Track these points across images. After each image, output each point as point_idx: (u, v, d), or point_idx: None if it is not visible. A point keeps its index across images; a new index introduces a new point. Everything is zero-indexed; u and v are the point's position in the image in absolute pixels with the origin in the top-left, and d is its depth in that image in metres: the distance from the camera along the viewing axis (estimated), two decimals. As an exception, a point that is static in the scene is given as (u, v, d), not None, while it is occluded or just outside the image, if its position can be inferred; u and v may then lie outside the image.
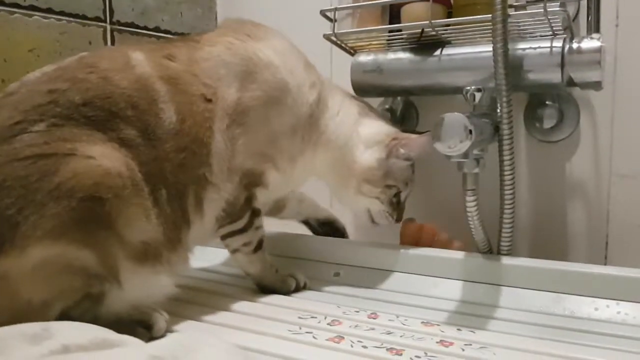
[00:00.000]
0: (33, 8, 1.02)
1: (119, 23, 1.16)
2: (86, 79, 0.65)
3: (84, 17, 1.10)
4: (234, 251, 0.82)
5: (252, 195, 0.80)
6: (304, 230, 1.05)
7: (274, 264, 0.85)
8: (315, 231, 1.03)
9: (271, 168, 0.81)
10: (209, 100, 0.73)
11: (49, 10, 1.04)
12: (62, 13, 1.06)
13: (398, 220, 0.92)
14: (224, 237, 0.81)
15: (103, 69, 0.67)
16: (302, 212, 1.02)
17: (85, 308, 0.61)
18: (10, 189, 0.57)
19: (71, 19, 1.08)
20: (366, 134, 0.87)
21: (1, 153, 0.59)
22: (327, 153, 0.86)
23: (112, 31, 1.14)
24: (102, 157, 0.61)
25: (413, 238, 0.99)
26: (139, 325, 0.66)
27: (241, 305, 0.78)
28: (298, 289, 0.85)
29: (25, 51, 1.01)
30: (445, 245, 0.97)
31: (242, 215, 0.80)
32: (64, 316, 0.60)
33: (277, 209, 0.97)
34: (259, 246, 0.82)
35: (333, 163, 0.87)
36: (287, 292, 0.84)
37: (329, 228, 1.03)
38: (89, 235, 0.59)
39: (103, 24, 1.13)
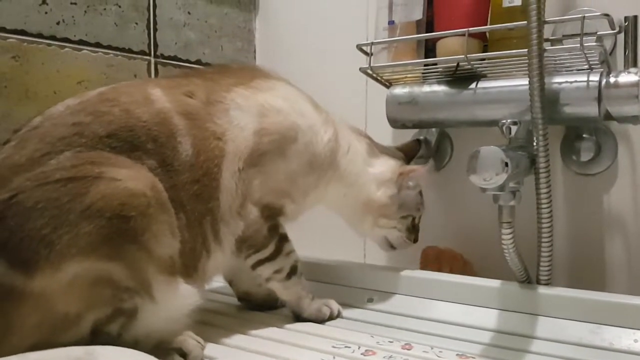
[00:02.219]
0: (82, 42, 1.07)
1: (162, 56, 1.20)
2: (109, 112, 0.69)
3: (130, 51, 1.15)
4: (267, 280, 0.84)
5: (276, 224, 0.83)
6: (340, 256, 1.06)
7: (309, 292, 0.86)
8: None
9: (289, 202, 0.84)
10: (219, 139, 0.76)
11: (97, 45, 1.09)
12: (109, 47, 1.11)
13: (415, 241, 0.97)
14: (253, 267, 0.82)
15: (124, 102, 0.71)
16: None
17: (120, 324, 0.63)
18: (44, 210, 0.60)
19: (118, 52, 1.13)
20: (376, 174, 0.92)
21: (31, 178, 0.61)
22: (339, 188, 0.90)
23: (155, 64, 1.19)
24: (127, 179, 0.63)
25: (434, 263, 1.05)
26: (177, 352, 0.67)
27: (274, 332, 0.79)
28: (332, 318, 0.85)
29: (75, 83, 1.05)
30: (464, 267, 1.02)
31: (267, 243, 0.81)
32: (100, 332, 0.62)
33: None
34: (292, 272, 0.84)
35: (345, 199, 0.92)
36: (321, 322, 0.84)
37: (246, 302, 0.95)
38: (118, 249, 0.61)
39: (147, 57, 1.18)
